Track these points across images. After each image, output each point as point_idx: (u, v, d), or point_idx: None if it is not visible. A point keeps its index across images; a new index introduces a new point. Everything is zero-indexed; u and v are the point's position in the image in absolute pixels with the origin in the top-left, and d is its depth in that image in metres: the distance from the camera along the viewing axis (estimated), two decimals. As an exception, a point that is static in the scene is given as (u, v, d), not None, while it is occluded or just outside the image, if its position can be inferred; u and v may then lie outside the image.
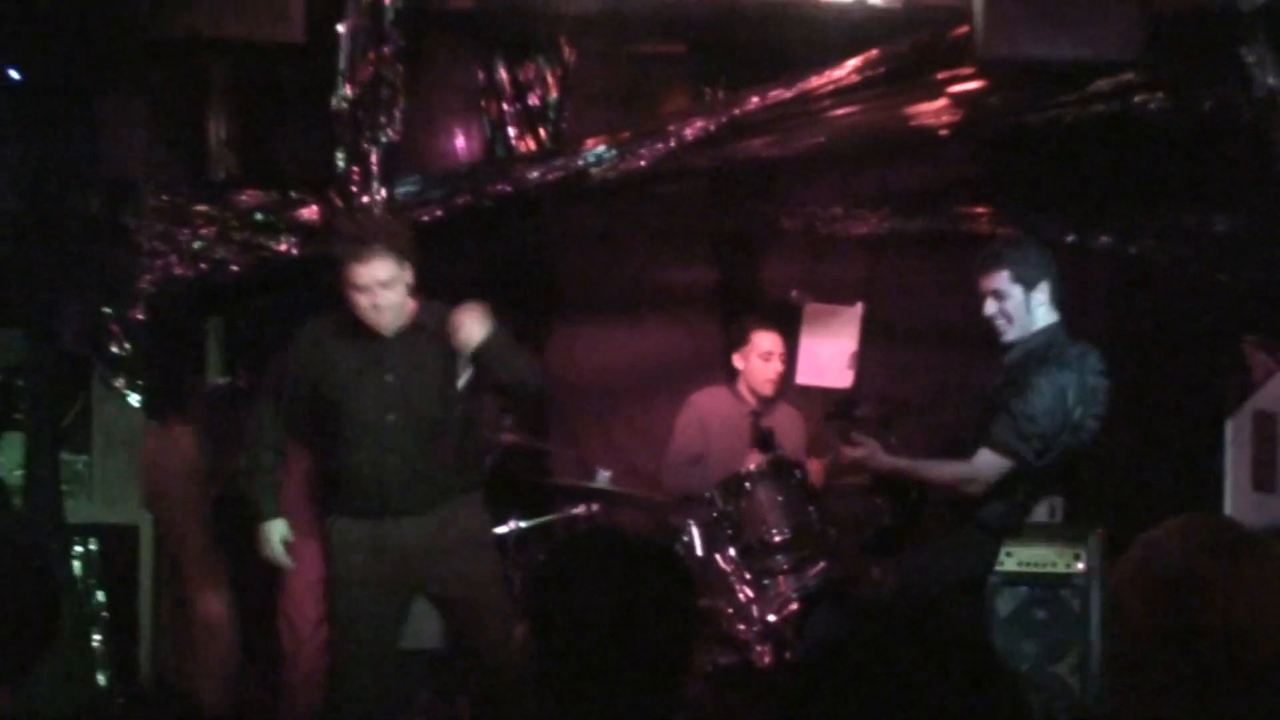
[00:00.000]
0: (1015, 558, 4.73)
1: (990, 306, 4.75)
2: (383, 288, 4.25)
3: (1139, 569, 1.79)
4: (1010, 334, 4.72)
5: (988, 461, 4.56)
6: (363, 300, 4.26)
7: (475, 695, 4.90)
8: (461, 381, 4.38)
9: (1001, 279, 4.70)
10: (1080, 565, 4.67)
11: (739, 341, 5.78)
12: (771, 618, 4.88)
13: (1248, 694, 1.70)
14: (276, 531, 4.50)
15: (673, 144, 5.40)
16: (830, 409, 5.32)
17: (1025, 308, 4.70)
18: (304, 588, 5.05)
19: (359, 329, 4.37)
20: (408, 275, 4.31)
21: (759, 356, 5.68)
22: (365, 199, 5.00)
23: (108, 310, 4.92)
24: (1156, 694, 1.73)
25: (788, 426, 5.70)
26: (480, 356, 4.30)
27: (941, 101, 5.41)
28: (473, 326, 4.28)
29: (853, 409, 5.18)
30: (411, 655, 5.38)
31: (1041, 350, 4.70)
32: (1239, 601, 1.70)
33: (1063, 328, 4.80)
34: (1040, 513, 4.72)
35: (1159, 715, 1.73)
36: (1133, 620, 1.76)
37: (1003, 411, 4.57)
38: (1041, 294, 4.71)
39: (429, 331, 4.39)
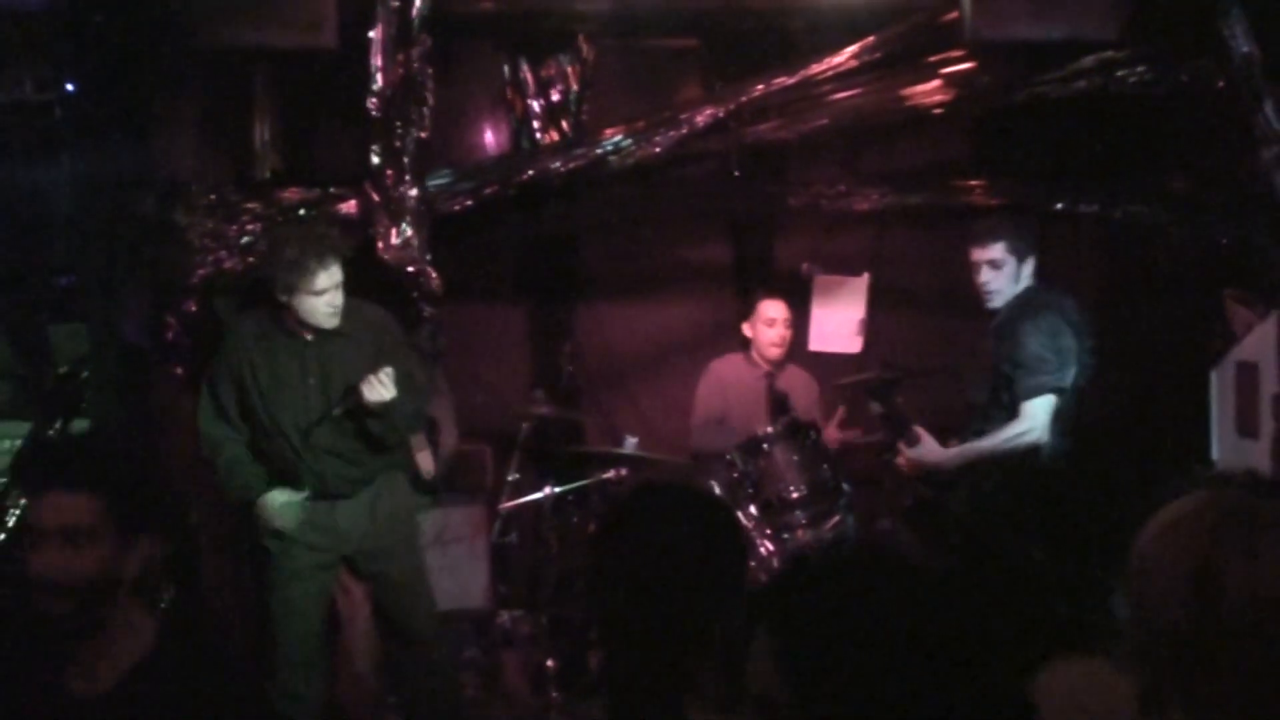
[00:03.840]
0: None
1: (985, 274, 4.75)
2: (337, 290, 4.33)
3: (1162, 547, 1.73)
4: (996, 301, 4.76)
5: (1031, 409, 4.62)
6: (320, 302, 4.32)
7: (398, 673, 4.69)
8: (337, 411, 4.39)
9: (998, 250, 4.73)
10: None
11: (747, 311, 5.85)
12: (793, 569, 5.12)
13: (1267, 666, 1.65)
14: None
15: (685, 130, 5.48)
16: (872, 392, 5.16)
17: (1014, 278, 4.75)
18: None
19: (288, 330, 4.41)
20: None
21: (764, 323, 5.76)
22: (399, 192, 4.95)
23: (163, 302, 4.92)
24: (1179, 661, 1.67)
25: (800, 388, 5.78)
26: (377, 410, 4.38)
27: (935, 82, 5.50)
28: (382, 391, 4.34)
29: (893, 393, 5.06)
30: (457, 614, 5.43)
31: (1018, 307, 4.78)
32: (1259, 580, 1.65)
33: (1037, 289, 4.81)
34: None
35: (1184, 682, 1.67)
36: (1158, 596, 1.70)
37: (1014, 369, 4.65)
38: (1029, 266, 4.74)
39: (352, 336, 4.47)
